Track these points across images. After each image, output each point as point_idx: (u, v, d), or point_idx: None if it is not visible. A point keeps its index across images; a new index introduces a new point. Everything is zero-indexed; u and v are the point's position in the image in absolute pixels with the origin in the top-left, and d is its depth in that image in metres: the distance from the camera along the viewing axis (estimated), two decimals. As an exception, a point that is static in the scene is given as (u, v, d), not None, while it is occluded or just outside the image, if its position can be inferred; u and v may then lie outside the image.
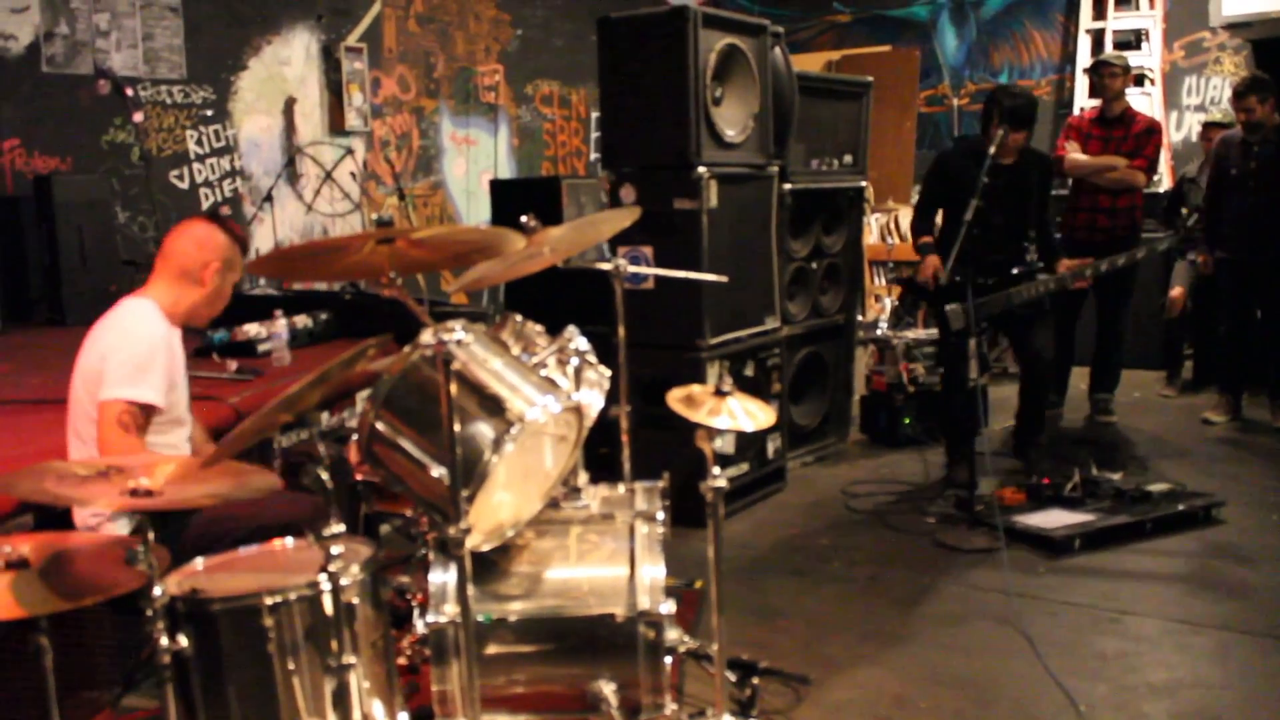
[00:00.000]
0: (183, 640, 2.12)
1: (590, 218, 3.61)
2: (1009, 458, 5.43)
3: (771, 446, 5.02)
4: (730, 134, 4.65)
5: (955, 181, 4.75)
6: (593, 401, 2.74)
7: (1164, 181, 8.37)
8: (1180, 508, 4.48)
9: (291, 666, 2.22)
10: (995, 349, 7.29)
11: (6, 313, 5.97)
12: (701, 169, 4.47)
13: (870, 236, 9.13)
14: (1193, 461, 5.39)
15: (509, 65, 9.76)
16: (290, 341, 4.68)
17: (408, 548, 3.47)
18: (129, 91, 6.75)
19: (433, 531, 2.57)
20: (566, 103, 10.44)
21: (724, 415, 2.64)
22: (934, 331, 6.27)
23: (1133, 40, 9.37)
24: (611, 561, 2.61)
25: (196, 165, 7.36)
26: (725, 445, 4.59)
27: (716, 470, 2.64)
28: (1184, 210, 6.96)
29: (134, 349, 2.81)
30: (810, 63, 9.75)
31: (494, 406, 2.31)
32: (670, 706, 2.57)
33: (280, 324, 4.66)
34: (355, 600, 2.28)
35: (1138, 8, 9.42)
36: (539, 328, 2.88)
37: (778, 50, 5.05)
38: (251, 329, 4.63)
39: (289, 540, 2.53)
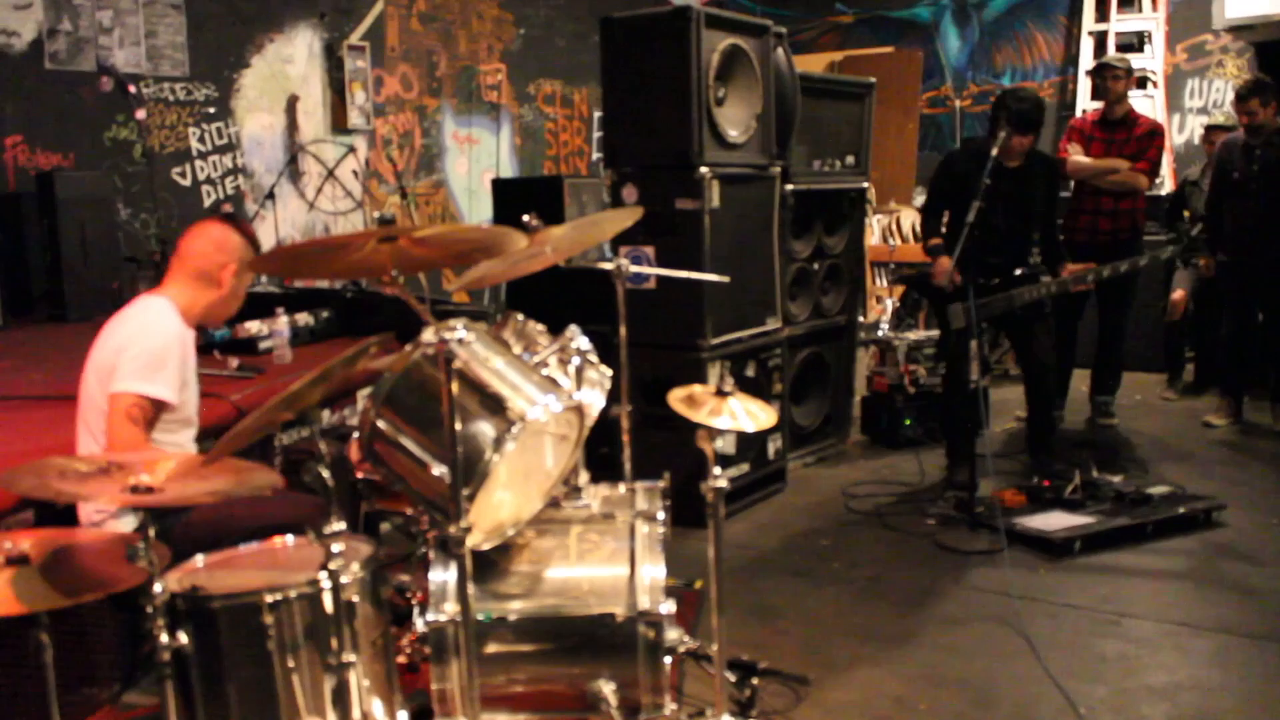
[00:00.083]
0: (183, 637, 2.13)
1: (592, 217, 3.61)
2: (1009, 459, 5.44)
3: (772, 447, 5.02)
4: (732, 134, 4.65)
5: (961, 183, 4.74)
6: (594, 401, 2.74)
7: (1166, 184, 8.37)
8: (1181, 510, 4.48)
9: (291, 664, 2.22)
10: (996, 350, 7.29)
11: (8, 309, 5.97)
12: (704, 169, 4.47)
13: (872, 237, 9.13)
14: (1193, 464, 5.39)
15: (511, 64, 9.76)
16: (292, 339, 4.68)
17: (408, 546, 3.47)
18: (131, 88, 6.75)
19: (433, 530, 2.58)
20: (569, 102, 10.44)
21: (725, 415, 2.64)
22: (935, 333, 6.27)
23: (1135, 42, 9.37)
24: (612, 561, 2.61)
25: (199, 162, 7.36)
26: (726, 445, 4.59)
27: (717, 470, 2.64)
28: (1185, 213, 6.96)
29: (149, 344, 2.83)
30: (813, 63, 9.74)
31: (495, 405, 2.31)
32: (670, 706, 2.57)
33: (282, 321, 4.66)
34: (355, 598, 2.28)
35: (1140, 10, 9.42)
36: (540, 327, 2.89)
37: (780, 51, 5.05)
38: (253, 326, 4.63)
39: (289, 538, 2.54)
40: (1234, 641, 3.46)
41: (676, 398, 2.70)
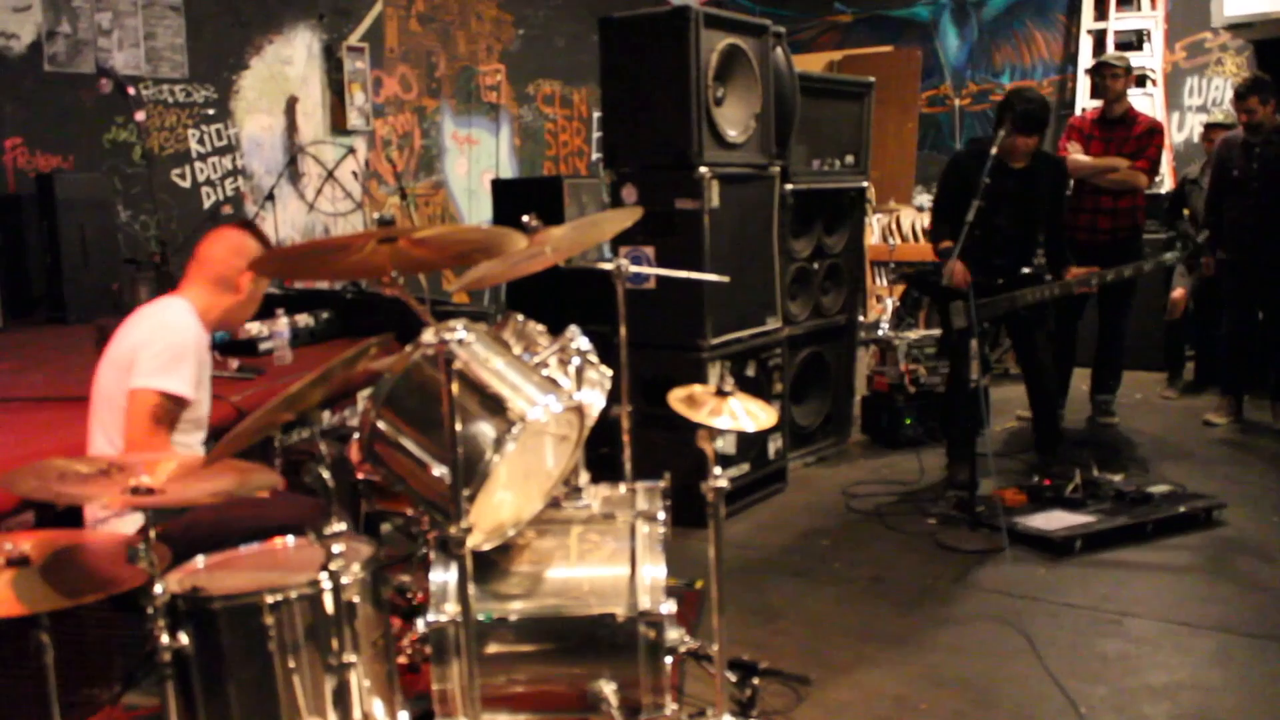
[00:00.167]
0: (183, 638, 2.13)
1: (592, 217, 3.61)
2: (1010, 458, 5.45)
3: (772, 447, 5.02)
4: (732, 134, 4.65)
5: (968, 182, 4.72)
6: (594, 401, 2.74)
7: (1165, 183, 8.37)
8: (1181, 509, 4.48)
9: (292, 665, 2.22)
10: (996, 350, 7.29)
11: (8, 310, 5.97)
12: (703, 169, 4.47)
13: (872, 237, 9.14)
14: (1194, 463, 5.39)
15: (511, 65, 9.76)
16: (292, 340, 4.68)
17: (409, 546, 3.47)
18: (131, 90, 6.76)
19: (434, 530, 2.58)
20: (568, 102, 10.45)
21: (725, 415, 2.64)
22: (935, 331, 6.28)
23: (1134, 41, 9.37)
24: (612, 561, 2.61)
25: (198, 164, 7.37)
26: (726, 445, 4.59)
27: (717, 470, 2.64)
28: (1185, 211, 6.96)
29: (168, 341, 2.85)
30: (812, 63, 9.76)
31: (495, 406, 2.31)
32: (670, 706, 2.57)
33: (282, 322, 4.66)
34: (356, 599, 2.28)
35: (1139, 8, 9.42)
36: (540, 327, 2.89)
37: (779, 50, 5.05)
38: (253, 327, 4.63)
39: (290, 539, 2.54)
40: (1235, 640, 3.46)
41: (677, 398, 2.70)
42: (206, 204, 7.38)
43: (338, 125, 8.23)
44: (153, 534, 2.06)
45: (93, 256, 6.07)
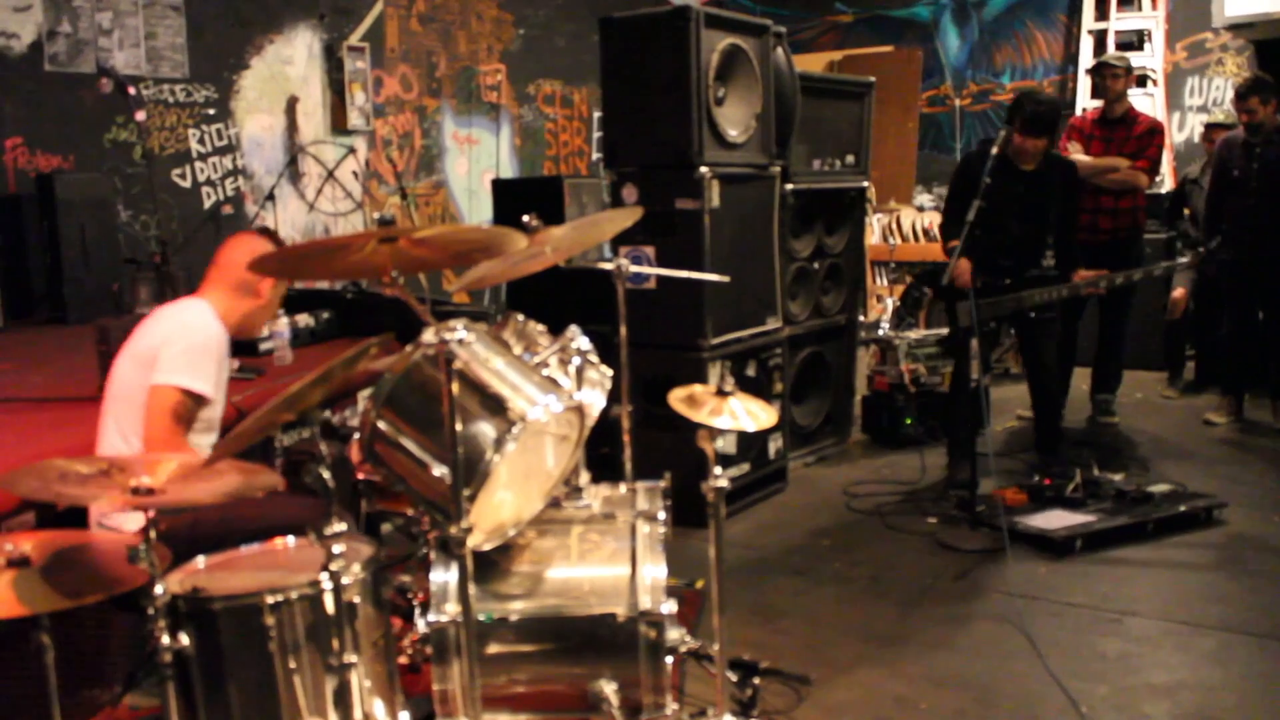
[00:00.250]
0: (184, 639, 2.13)
1: (592, 217, 3.61)
2: (1010, 458, 5.45)
3: (773, 446, 5.02)
4: (732, 134, 4.65)
5: (978, 183, 4.72)
6: (594, 401, 2.74)
7: (1166, 182, 8.37)
8: (1182, 509, 4.48)
9: (293, 665, 2.22)
10: (997, 350, 7.28)
11: (8, 311, 5.97)
12: (704, 169, 4.47)
13: (872, 237, 9.13)
14: (1194, 462, 5.39)
15: (511, 65, 9.76)
16: (292, 340, 4.68)
17: (409, 547, 3.47)
18: (131, 90, 6.75)
19: (434, 530, 2.57)
20: (569, 102, 10.44)
21: (725, 415, 2.64)
22: (936, 332, 6.29)
23: (1135, 41, 9.37)
24: (613, 561, 2.61)
25: (199, 164, 7.36)
26: (727, 445, 4.59)
27: (718, 470, 2.64)
28: (1186, 211, 6.96)
29: (192, 340, 2.88)
30: (812, 63, 9.75)
31: (496, 406, 2.31)
32: (671, 706, 2.57)
33: (282, 322, 4.66)
34: (356, 599, 2.28)
35: (1140, 8, 9.42)
36: (541, 327, 2.89)
37: (780, 50, 5.05)
38: (253, 328, 4.63)
39: (290, 539, 2.54)
40: (1235, 639, 3.46)
41: (677, 397, 2.70)
42: (207, 204, 7.38)
43: (338, 125, 8.23)
44: (153, 534, 2.06)
45: (93, 256, 6.07)
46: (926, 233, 9.48)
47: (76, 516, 2.89)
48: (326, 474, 2.20)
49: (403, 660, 2.91)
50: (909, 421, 5.87)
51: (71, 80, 6.59)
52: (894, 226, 9.49)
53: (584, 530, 2.69)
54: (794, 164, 5.26)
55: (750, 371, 4.86)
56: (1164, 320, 7.01)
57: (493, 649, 2.53)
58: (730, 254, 4.64)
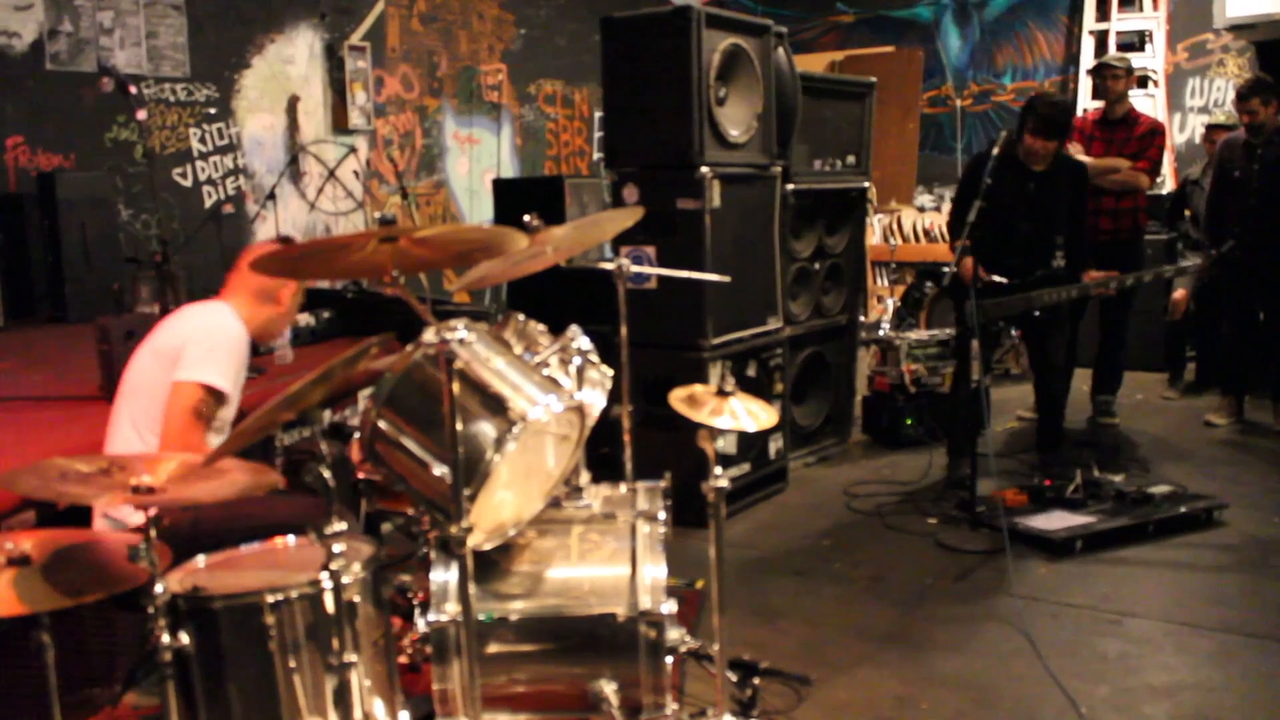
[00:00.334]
0: (184, 638, 2.13)
1: (593, 217, 3.61)
2: (1011, 459, 5.45)
3: (773, 447, 5.02)
4: (733, 134, 4.65)
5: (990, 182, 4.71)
6: (595, 401, 2.74)
7: (1167, 183, 8.37)
8: (1182, 510, 4.48)
9: (293, 664, 2.22)
10: (997, 350, 7.28)
11: (9, 310, 5.98)
12: (704, 169, 4.47)
13: (873, 237, 9.14)
14: (1195, 464, 5.39)
15: (512, 64, 9.76)
16: (293, 339, 4.68)
17: (409, 546, 3.47)
18: (132, 89, 6.74)
19: (434, 530, 2.57)
20: (569, 102, 10.45)
21: (726, 415, 2.64)
22: (936, 332, 6.29)
23: (1136, 41, 9.37)
24: (613, 561, 2.61)
25: (200, 163, 7.37)
26: (727, 445, 4.59)
27: (718, 470, 2.64)
28: (1187, 212, 6.95)
29: (216, 338, 2.93)
30: (813, 63, 9.75)
31: (496, 405, 2.31)
32: (671, 706, 2.57)
33: (283, 322, 4.65)
34: (356, 598, 2.28)
35: (1141, 9, 9.42)
36: (541, 327, 2.89)
37: (781, 50, 5.05)
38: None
39: (291, 538, 2.54)
40: (1235, 641, 3.46)
41: (677, 397, 2.70)
42: (208, 203, 7.38)
43: (339, 124, 8.23)
44: (153, 533, 2.06)
45: (94, 256, 6.07)
46: (927, 233, 9.48)
47: (77, 515, 2.90)
48: (327, 473, 2.20)
49: (403, 660, 2.91)
50: (909, 422, 5.87)
51: (72, 79, 6.59)
52: (895, 227, 9.50)
53: (584, 530, 2.69)
54: (795, 164, 5.26)
55: (751, 371, 4.86)
56: (1165, 321, 7.01)
57: (493, 649, 2.53)
58: (731, 254, 4.64)
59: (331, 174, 8.08)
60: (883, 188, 9.28)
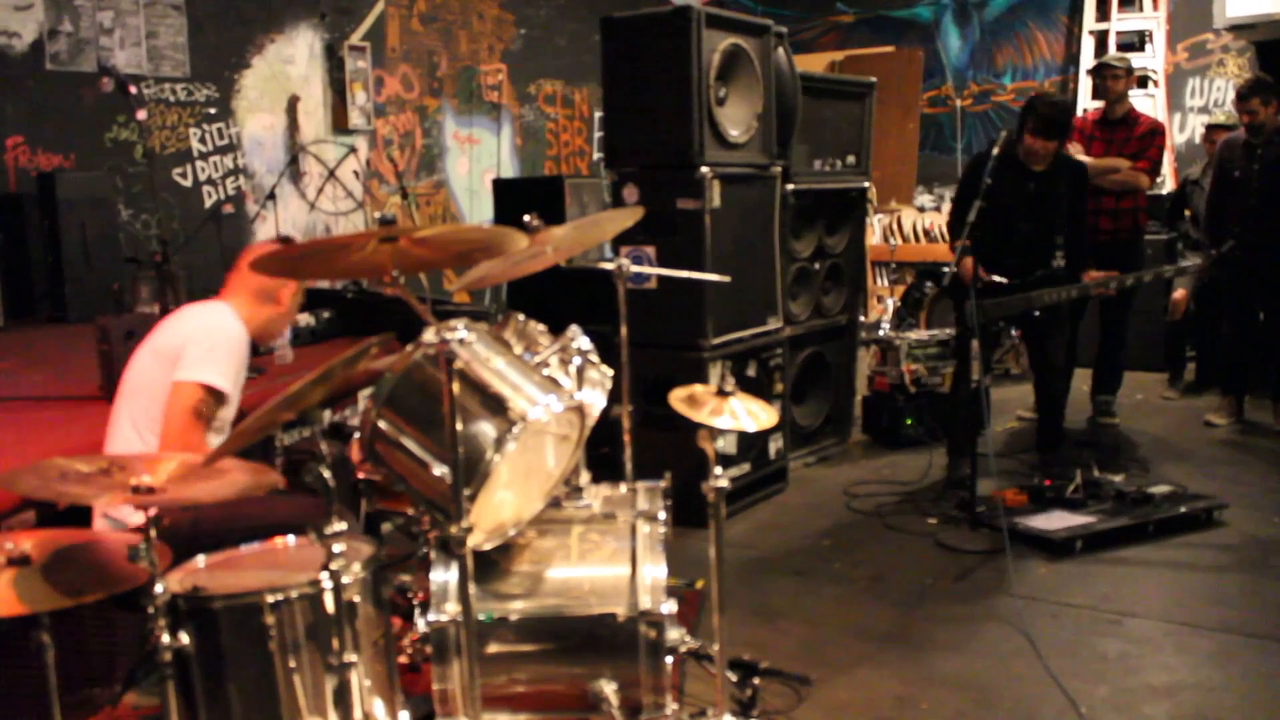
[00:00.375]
0: (184, 638, 2.13)
1: (593, 217, 3.61)
2: (1010, 459, 5.45)
3: (773, 447, 5.02)
4: (733, 134, 4.65)
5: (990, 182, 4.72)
6: (595, 401, 2.74)
7: (1167, 183, 8.37)
8: (1182, 510, 4.48)
9: (293, 664, 2.22)
10: (997, 350, 7.28)
11: (9, 310, 5.97)
12: (704, 169, 4.47)
13: (873, 237, 9.14)
14: (1195, 464, 5.39)
15: (512, 64, 9.76)
16: (292, 339, 4.68)
17: (409, 546, 3.47)
18: (132, 89, 6.74)
19: (434, 530, 2.58)
20: (569, 102, 10.45)
21: (726, 415, 2.64)
22: (936, 332, 6.29)
23: (1136, 41, 9.37)
24: (613, 561, 2.61)
25: (200, 163, 7.37)
26: (727, 445, 4.59)
27: (718, 470, 2.64)
28: (1187, 212, 6.95)
29: (217, 338, 2.94)
30: (813, 63, 9.75)
31: (496, 405, 2.31)
32: (671, 706, 2.57)
33: (283, 322, 4.65)
34: (356, 599, 2.28)
35: (1141, 9, 9.42)
36: (541, 327, 2.89)
37: (781, 50, 5.05)
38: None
39: (291, 538, 2.54)
40: (1235, 641, 3.46)
41: (678, 397, 2.70)
42: (208, 203, 7.38)
43: (339, 124, 8.23)
44: (153, 533, 2.06)
45: (94, 256, 6.07)
46: (927, 233, 9.48)
47: (78, 515, 2.90)
48: (327, 473, 2.20)
49: (403, 660, 2.91)
50: (909, 422, 5.87)
51: (72, 79, 6.59)
52: (895, 227, 9.50)
53: (584, 530, 2.69)
54: (795, 164, 5.26)
55: (751, 371, 4.86)
56: (1164, 321, 7.01)
57: (493, 649, 2.53)
58: (731, 254, 4.64)
59: (331, 174, 8.08)
60: (883, 188, 9.28)
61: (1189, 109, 9.37)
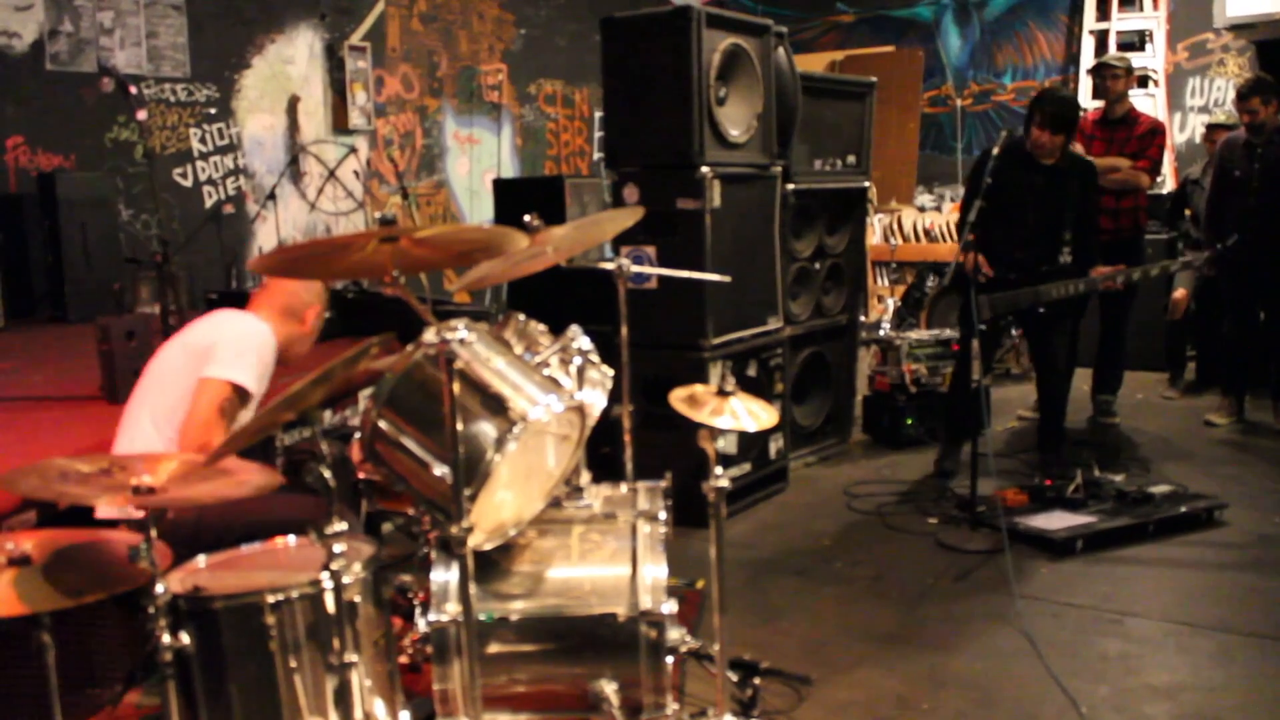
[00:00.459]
0: (185, 638, 2.13)
1: (593, 217, 3.61)
2: (1010, 459, 5.45)
3: (774, 446, 5.01)
4: (734, 134, 4.65)
5: (998, 177, 4.72)
6: (595, 401, 2.74)
7: (1168, 183, 8.37)
8: (1183, 509, 4.48)
9: (293, 664, 2.22)
10: (998, 350, 7.29)
11: (9, 310, 5.98)
12: (705, 169, 4.47)
13: (873, 237, 9.14)
14: (1195, 463, 5.39)
15: (512, 64, 9.76)
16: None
17: (410, 546, 3.47)
18: (132, 89, 6.75)
19: (435, 530, 2.58)
20: (570, 102, 10.45)
21: (726, 415, 2.64)
22: (936, 332, 6.29)
23: (1136, 41, 9.37)
24: (613, 561, 2.61)
25: (200, 163, 7.37)
26: (728, 445, 4.59)
27: (719, 470, 2.63)
28: (1187, 212, 6.95)
29: (249, 341, 3.01)
30: (814, 63, 9.76)
31: (497, 405, 2.31)
32: (672, 706, 2.57)
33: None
34: (357, 599, 2.28)
35: (1141, 9, 9.42)
36: (542, 327, 2.89)
37: (781, 50, 5.05)
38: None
39: (291, 538, 2.54)
40: (1236, 640, 3.46)
41: (678, 397, 2.70)
42: (208, 203, 7.39)
43: (339, 124, 8.24)
44: (154, 533, 2.06)
45: (94, 256, 6.08)
46: (927, 233, 9.48)
47: (78, 515, 2.89)
48: (327, 473, 2.20)
49: (403, 660, 2.91)
50: (910, 422, 5.87)
51: (73, 79, 6.60)
52: (895, 226, 9.50)
53: (585, 530, 2.69)
54: (795, 164, 5.25)
55: (751, 371, 4.86)
56: (1165, 321, 7.01)
57: (493, 649, 2.53)
58: (731, 254, 4.64)
59: (332, 174, 8.08)
60: (883, 187, 9.28)
61: (1189, 108, 9.38)
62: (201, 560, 2.43)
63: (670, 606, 2.53)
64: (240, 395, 2.95)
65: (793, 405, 5.40)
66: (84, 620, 2.98)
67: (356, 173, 8.23)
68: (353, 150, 8.18)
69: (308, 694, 2.23)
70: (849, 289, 5.88)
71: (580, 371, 2.74)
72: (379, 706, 2.36)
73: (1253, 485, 5.01)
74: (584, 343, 2.79)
